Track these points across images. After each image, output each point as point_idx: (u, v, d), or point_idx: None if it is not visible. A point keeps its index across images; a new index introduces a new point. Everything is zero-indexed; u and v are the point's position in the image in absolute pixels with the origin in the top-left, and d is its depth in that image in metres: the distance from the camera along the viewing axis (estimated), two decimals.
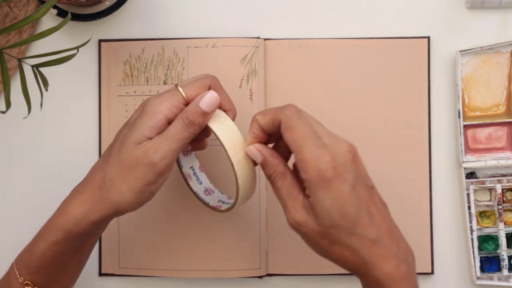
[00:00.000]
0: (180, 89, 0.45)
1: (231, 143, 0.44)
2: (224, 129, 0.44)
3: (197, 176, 0.53)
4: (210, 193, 0.52)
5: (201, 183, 0.52)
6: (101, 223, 0.45)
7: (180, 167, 0.52)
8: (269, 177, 0.43)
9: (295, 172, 0.44)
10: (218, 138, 0.44)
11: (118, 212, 0.45)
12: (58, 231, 0.45)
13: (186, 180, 0.52)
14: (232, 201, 0.47)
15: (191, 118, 0.43)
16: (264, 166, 0.43)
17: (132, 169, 0.43)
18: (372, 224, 0.40)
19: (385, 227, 0.41)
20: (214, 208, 0.50)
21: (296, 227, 0.42)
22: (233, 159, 0.43)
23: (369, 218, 0.40)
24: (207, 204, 0.51)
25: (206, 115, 0.44)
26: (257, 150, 0.43)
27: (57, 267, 0.46)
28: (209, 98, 0.44)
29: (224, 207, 0.49)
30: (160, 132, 0.44)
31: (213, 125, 0.44)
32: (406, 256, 0.41)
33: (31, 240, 0.47)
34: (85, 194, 0.45)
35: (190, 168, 0.52)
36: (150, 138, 0.43)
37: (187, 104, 0.45)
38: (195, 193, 0.52)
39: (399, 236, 0.42)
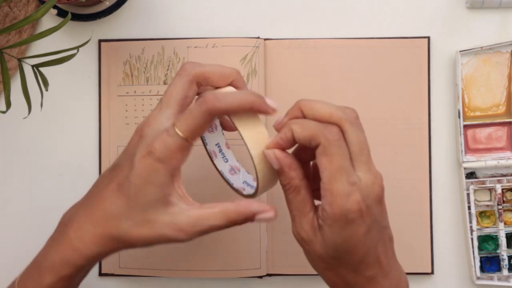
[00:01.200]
0: (177, 130, 0.40)
1: (251, 135, 0.42)
2: (244, 120, 0.42)
3: (223, 154, 0.50)
4: (235, 172, 0.50)
5: (227, 161, 0.50)
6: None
7: (205, 144, 0.50)
8: (282, 186, 0.42)
9: (314, 174, 0.43)
10: (237, 129, 0.42)
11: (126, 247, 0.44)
12: (70, 267, 0.43)
13: (211, 158, 0.50)
14: (256, 183, 0.46)
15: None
16: (279, 174, 0.42)
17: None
18: (374, 263, 0.40)
19: (384, 264, 0.41)
20: (237, 191, 0.48)
21: (299, 241, 0.42)
22: (252, 152, 0.41)
23: (373, 258, 0.40)
24: (231, 186, 0.49)
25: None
26: (276, 158, 0.41)
27: None
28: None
29: (247, 191, 0.47)
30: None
31: (234, 116, 0.42)
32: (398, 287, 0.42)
33: (34, 266, 0.45)
34: (97, 233, 0.42)
35: (216, 145, 0.50)
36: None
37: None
38: (220, 172, 0.50)
39: (396, 267, 0.42)
